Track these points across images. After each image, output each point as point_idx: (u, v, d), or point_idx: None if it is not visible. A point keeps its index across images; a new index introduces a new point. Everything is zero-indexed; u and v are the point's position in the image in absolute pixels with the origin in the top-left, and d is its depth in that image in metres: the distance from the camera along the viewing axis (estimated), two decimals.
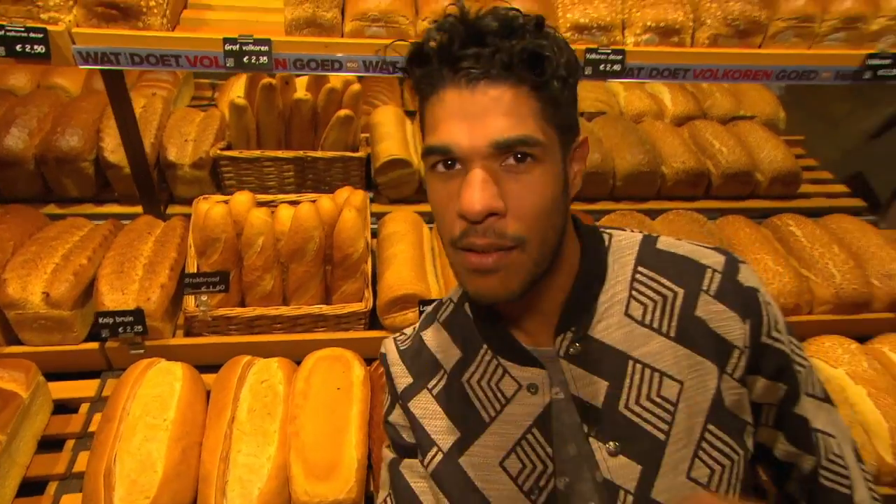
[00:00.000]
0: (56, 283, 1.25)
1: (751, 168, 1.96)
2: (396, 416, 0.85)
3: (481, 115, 0.61)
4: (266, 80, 1.68)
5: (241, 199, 1.35)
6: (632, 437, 0.70)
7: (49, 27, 1.16)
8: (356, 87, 1.77)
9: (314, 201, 1.39)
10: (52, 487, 1.13)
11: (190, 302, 1.33)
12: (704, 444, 0.69)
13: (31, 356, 1.25)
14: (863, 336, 1.49)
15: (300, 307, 1.38)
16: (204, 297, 1.31)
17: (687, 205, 1.95)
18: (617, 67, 1.33)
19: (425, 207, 1.80)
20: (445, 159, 0.64)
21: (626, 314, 0.73)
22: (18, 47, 1.15)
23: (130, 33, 1.19)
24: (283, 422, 1.13)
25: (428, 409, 0.80)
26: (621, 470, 0.70)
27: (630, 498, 0.69)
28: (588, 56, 1.31)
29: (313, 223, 1.28)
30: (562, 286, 0.73)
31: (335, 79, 1.81)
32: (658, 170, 1.92)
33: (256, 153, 1.69)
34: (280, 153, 1.70)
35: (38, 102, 1.77)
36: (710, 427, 0.69)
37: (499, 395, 0.76)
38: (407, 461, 0.83)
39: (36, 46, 1.15)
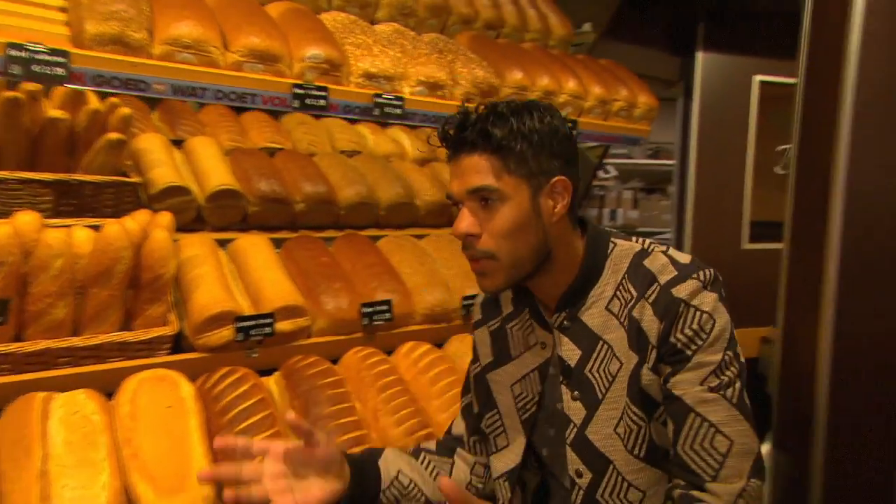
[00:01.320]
0: None
1: None
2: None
3: (463, 174, 0.96)
4: (9, 93, 1.50)
5: (27, 218, 1.20)
6: (586, 391, 1.00)
7: None
8: (126, 110, 1.68)
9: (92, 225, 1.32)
10: None
11: None
12: (627, 411, 0.96)
13: None
14: None
15: (97, 335, 1.27)
16: None
17: (439, 231, 2.34)
18: (398, 111, 1.62)
19: (214, 235, 1.79)
20: (453, 202, 0.99)
21: (607, 308, 1.00)
22: None
23: None
24: (109, 449, 1.06)
25: (482, 338, 1.17)
26: (575, 410, 1.00)
27: (575, 430, 1.00)
28: (376, 100, 1.57)
29: (123, 243, 1.22)
30: (566, 279, 1.02)
31: (94, 99, 1.70)
32: (413, 201, 2.26)
33: (5, 174, 1.47)
34: (38, 175, 1.51)
35: None
36: (627, 399, 0.96)
37: (525, 342, 1.10)
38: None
39: None
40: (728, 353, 0.92)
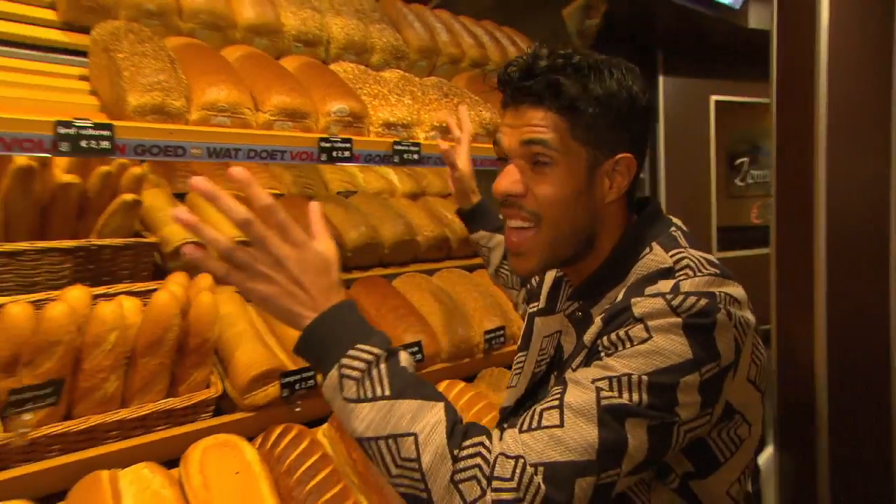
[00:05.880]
0: None
1: None
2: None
3: (519, 125, 0.84)
4: (23, 161, 1.47)
5: (77, 293, 1.18)
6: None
7: None
8: (139, 170, 1.67)
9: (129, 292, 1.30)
10: None
11: None
12: None
13: None
14: None
15: (144, 406, 1.25)
16: (28, 416, 1.09)
17: (435, 265, 2.37)
18: (416, 157, 1.66)
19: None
20: (498, 157, 0.89)
21: None
22: None
23: None
24: None
25: (548, 280, 1.08)
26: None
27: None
28: (395, 147, 1.61)
29: (174, 310, 1.21)
30: (590, 270, 0.91)
31: (103, 162, 1.68)
32: (415, 238, 2.30)
33: (24, 245, 1.44)
34: (58, 243, 1.48)
35: None
36: None
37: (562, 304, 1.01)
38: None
39: None
40: (651, 380, 0.72)
